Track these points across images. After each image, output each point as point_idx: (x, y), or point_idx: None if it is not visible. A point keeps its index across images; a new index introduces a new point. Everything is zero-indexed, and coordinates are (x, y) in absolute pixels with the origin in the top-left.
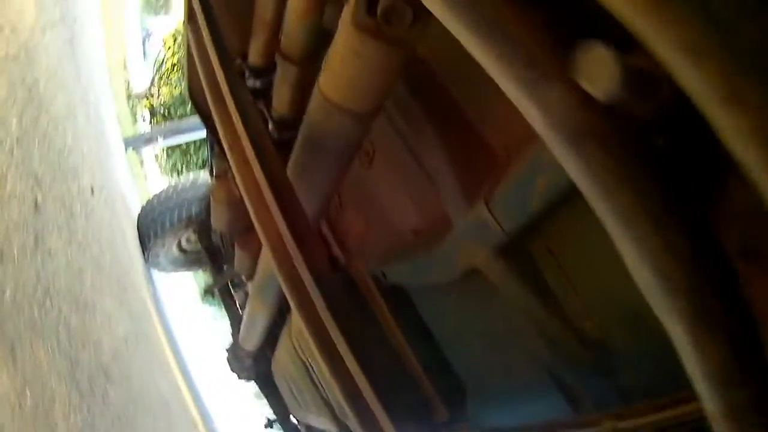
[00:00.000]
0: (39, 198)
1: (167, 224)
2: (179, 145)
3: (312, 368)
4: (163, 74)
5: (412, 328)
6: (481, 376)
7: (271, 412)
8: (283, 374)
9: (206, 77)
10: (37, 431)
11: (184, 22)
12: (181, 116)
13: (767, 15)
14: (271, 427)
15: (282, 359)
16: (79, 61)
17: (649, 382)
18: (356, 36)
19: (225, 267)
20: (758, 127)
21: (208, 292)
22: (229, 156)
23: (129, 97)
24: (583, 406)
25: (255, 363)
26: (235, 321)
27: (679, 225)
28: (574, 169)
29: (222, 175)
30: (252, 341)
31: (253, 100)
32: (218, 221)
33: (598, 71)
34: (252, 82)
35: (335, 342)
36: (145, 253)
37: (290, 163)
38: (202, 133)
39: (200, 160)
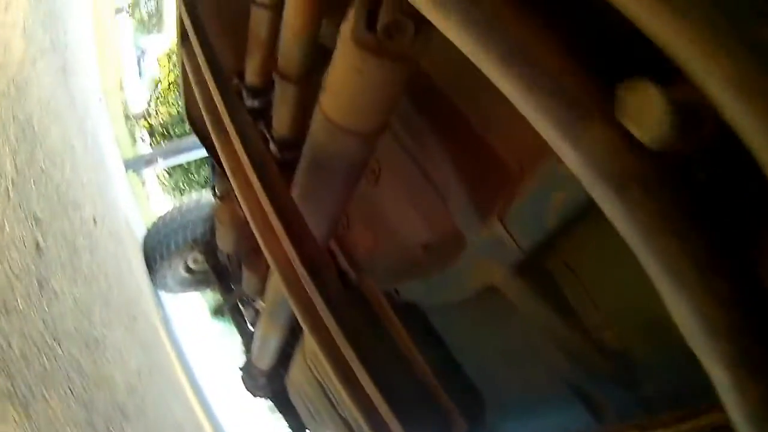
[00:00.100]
0: (40, 239)
1: (173, 246)
2: (180, 164)
3: (327, 387)
4: (160, 94)
5: (428, 343)
6: (500, 388)
7: (288, 429)
8: (298, 392)
9: (203, 99)
10: None
11: (177, 43)
12: (180, 135)
13: None
14: None
15: (296, 378)
16: (74, 89)
17: (670, 392)
18: (356, 53)
19: (233, 286)
20: None
21: (218, 312)
22: (231, 180)
23: (127, 118)
24: (606, 417)
25: (269, 381)
26: (247, 339)
27: (721, 267)
28: (616, 214)
29: (225, 196)
30: (265, 360)
31: (253, 121)
32: (224, 243)
33: (647, 115)
34: (250, 102)
35: (349, 362)
36: (152, 276)
37: (295, 186)
38: (203, 152)
39: (202, 178)
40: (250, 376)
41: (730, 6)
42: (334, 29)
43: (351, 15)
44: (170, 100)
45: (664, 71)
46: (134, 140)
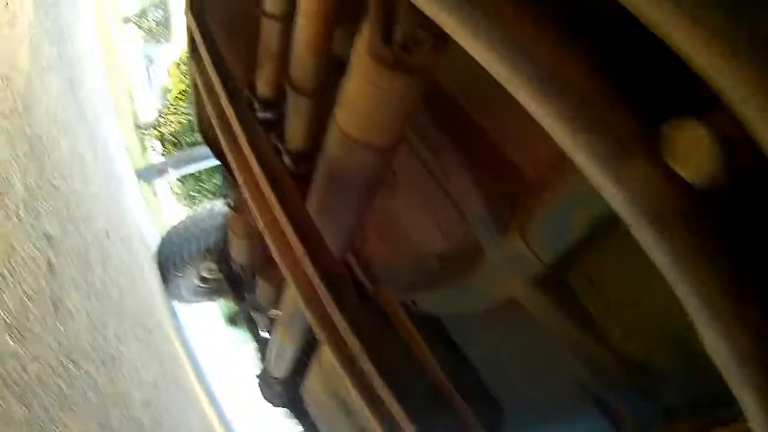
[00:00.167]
0: (52, 257)
1: (187, 256)
2: (192, 173)
3: (344, 396)
4: (170, 103)
5: (446, 353)
6: (520, 399)
7: None
8: (314, 401)
9: (215, 111)
10: None
11: (187, 55)
12: (191, 144)
13: None
14: None
15: (313, 387)
16: (83, 100)
17: (690, 402)
18: (372, 67)
19: (247, 295)
20: None
21: (232, 321)
22: (246, 194)
23: (137, 127)
24: (626, 426)
25: (285, 389)
26: (262, 347)
27: (753, 297)
28: (656, 251)
29: (238, 207)
30: (281, 369)
31: (265, 133)
32: (238, 254)
33: (694, 156)
34: (262, 113)
35: (367, 372)
36: (166, 286)
37: (311, 199)
38: (215, 161)
39: (214, 186)
40: (267, 384)
41: None
42: (347, 40)
43: (365, 28)
44: (180, 109)
45: (700, 100)
46: (145, 149)
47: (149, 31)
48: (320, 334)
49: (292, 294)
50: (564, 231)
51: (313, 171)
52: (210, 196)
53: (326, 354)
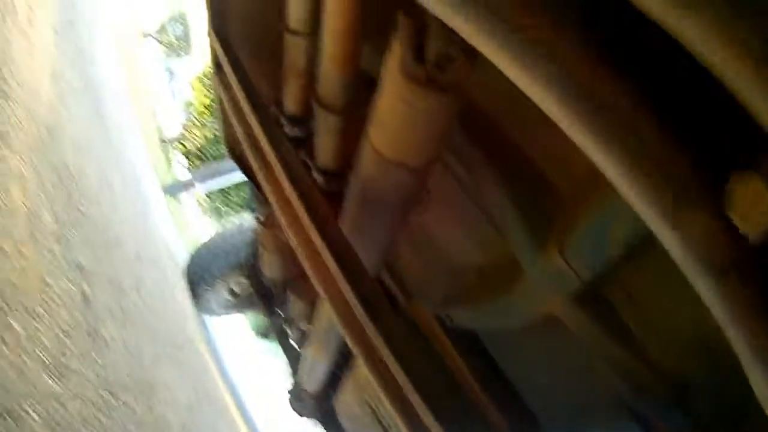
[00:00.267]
0: (86, 288)
1: (216, 272)
2: (219, 187)
3: (379, 411)
4: (195, 117)
5: (482, 367)
6: (556, 411)
7: None
8: (348, 415)
9: (243, 130)
10: None
11: (212, 72)
12: (217, 158)
13: None
14: None
15: (347, 401)
16: (108, 122)
17: (726, 414)
18: (405, 85)
19: (278, 308)
20: None
21: (263, 334)
22: (278, 214)
23: (162, 142)
24: None
25: (317, 403)
26: (293, 360)
27: None
28: (710, 298)
29: (268, 222)
30: (313, 383)
31: (295, 151)
32: (270, 269)
33: (756, 212)
34: (290, 130)
35: (403, 388)
36: (196, 301)
37: (344, 218)
38: (241, 175)
39: (241, 199)
40: (298, 398)
41: None
42: (375, 55)
43: (396, 46)
44: (205, 123)
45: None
46: (170, 164)
47: (169, 46)
48: (356, 351)
49: (326, 310)
50: (603, 247)
51: (343, 188)
52: (237, 209)
53: (361, 368)
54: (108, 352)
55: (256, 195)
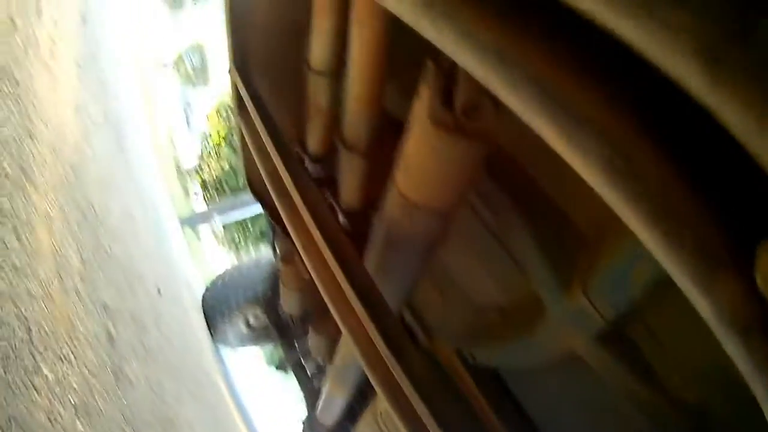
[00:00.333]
0: (111, 328)
1: (234, 305)
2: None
3: None
4: (212, 147)
5: (504, 404)
6: None
7: None
8: None
9: (266, 170)
10: None
11: (234, 112)
12: (234, 189)
13: None
14: None
15: None
16: (129, 156)
17: None
18: (433, 132)
19: (295, 342)
20: None
21: (280, 368)
22: (303, 255)
23: (179, 173)
24: None
25: None
26: (308, 392)
27: None
28: (739, 359)
29: (288, 259)
30: (330, 417)
31: (320, 191)
32: (290, 306)
33: None
34: (312, 168)
35: (426, 425)
36: (213, 333)
37: (368, 259)
38: (259, 208)
39: (258, 231)
40: (313, 430)
41: None
42: (399, 96)
43: (424, 92)
44: (221, 154)
45: None
46: (188, 195)
47: (187, 76)
48: (379, 389)
49: (347, 347)
50: (626, 287)
51: (367, 228)
52: (254, 240)
53: (379, 404)
54: (132, 391)
55: (276, 231)
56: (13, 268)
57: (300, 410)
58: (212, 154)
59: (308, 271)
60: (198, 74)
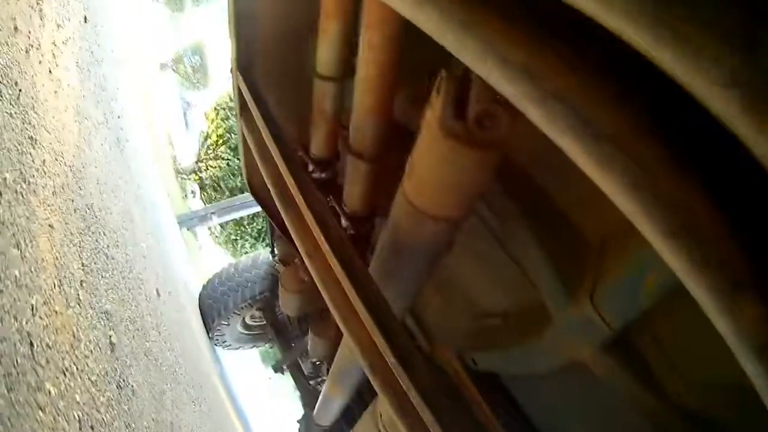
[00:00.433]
0: (112, 335)
1: (231, 305)
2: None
3: None
4: (210, 147)
5: (507, 411)
6: None
7: None
8: None
9: (268, 173)
10: None
11: (236, 114)
12: (231, 188)
13: None
14: None
15: None
16: (128, 157)
17: None
18: (444, 142)
19: (292, 342)
20: None
21: (277, 369)
22: (306, 259)
23: (177, 172)
24: None
25: None
26: (306, 393)
27: None
28: (758, 378)
29: (288, 261)
30: (327, 418)
31: (323, 196)
32: (289, 308)
33: None
34: (316, 174)
35: (430, 430)
36: (210, 333)
37: (373, 264)
38: (257, 208)
39: (254, 230)
40: (309, 430)
41: None
42: (406, 104)
43: (436, 102)
44: (219, 154)
45: None
46: (185, 195)
47: (186, 77)
48: (382, 393)
49: (347, 350)
50: (636, 297)
51: (370, 232)
52: (251, 239)
53: (385, 413)
54: (135, 400)
55: (276, 233)
56: (14, 279)
57: (296, 410)
58: (210, 153)
59: (309, 274)
60: (197, 74)
